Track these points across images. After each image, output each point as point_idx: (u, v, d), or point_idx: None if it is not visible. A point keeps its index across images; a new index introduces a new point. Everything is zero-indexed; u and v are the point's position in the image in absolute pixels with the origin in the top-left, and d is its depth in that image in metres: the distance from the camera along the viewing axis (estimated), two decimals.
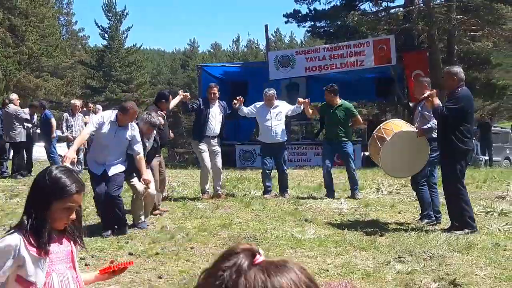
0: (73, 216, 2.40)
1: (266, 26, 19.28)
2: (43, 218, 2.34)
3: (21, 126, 12.65)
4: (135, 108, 6.76)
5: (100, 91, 45.62)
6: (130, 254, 5.79)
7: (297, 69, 18.27)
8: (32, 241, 2.32)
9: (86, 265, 5.36)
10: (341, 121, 9.49)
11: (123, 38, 50.40)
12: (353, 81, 20.33)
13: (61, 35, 49.13)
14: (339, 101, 9.61)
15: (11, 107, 12.82)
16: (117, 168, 6.63)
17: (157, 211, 7.95)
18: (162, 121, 7.99)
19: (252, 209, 8.30)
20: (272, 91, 9.79)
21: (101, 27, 48.98)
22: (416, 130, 6.94)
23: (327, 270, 5.12)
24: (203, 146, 9.30)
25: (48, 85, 34.55)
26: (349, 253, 5.74)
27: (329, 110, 9.62)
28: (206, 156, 9.30)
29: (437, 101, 6.61)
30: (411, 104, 7.59)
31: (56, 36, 40.89)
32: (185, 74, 61.30)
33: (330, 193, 9.48)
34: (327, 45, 19.99)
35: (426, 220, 7.13)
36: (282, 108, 9.77)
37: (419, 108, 7.21)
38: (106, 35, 49.10)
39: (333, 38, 25.60)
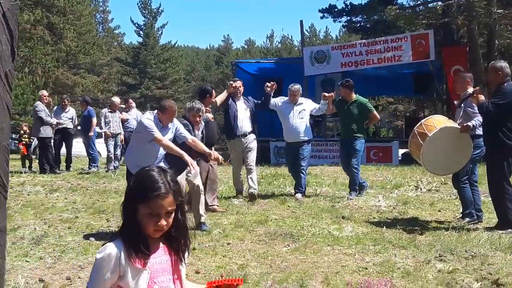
0: (163, 222, 2.10)
1: (301, 21, 19.13)
2: (135, 224, 2.11)
3: (41, 123, 12.85)
4: (173, 107, 6.53)
5: (136, 88, 46.14)
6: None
7: (332, 65, 18.08)
8: (132, 250, 2.10)
9: None
10: (355, 117, 9.21)
11: (158, 35, 50.91)
12: (390, 77, 20.10)
13: (98, 33, 49.85)
14: (354, 96, 9.33)
15: (35, 103, 13.26)
16: (164, 162, 6.46)
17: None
18: (209, 115, 7.93)
19: (288, 206, 8.25)
20: (297, 86, 9.41)
21: (136, 24, 49.60)
22: (459, 126, 6.76)
23: (366, 268, 5.04)
24: (234, 146, 8.99)
25: (86, 82, 35.12)
26: (388, 251, 5.64)
27: (343, 106, 9.35)
28: (234, 157, 9.03)
29: (482, 97, 6.46)
30: (456, 102, 7.38)
31: (93, 34, 41.54)
32: (219, 70, 61.53)
33: (351, 193, 9.18)
34: (363, 40, 19.79)
35: (467, 219, 6.95)
36: (306, 106, 9.39)
37: (462, 105, 7.03)
38: (141, 32, 49.66)
39: (370, 33, 25.39)
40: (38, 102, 13.20)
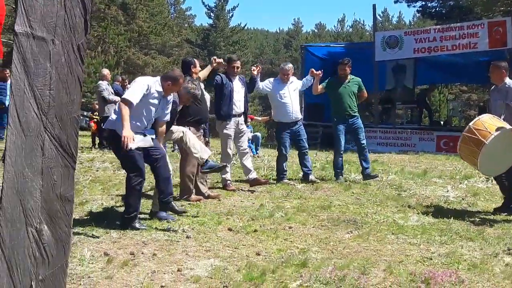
0: None
1: (374, 5, 18.76)
2: None
3: (104, 101, 13.07)
4: (184, 77, 6.23)
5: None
6: (229, 229, 5.82)
7: (405, 50, 17.65)
8: None
9: (187, 237, 5.44)
10: (354, 94, 9.19)
11: (228, 17, 51.28)
12: (464, 64, 19.43)
13: (169, 14, 50.56)
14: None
15: (99, 82, 13.46)
16: (152, 133, 5.98)
17: (196, 196, 7.36)
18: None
19: (352, 192, 8.14)
20: (290, 65, 9.17)
21: (207, 6, 50.07)
22: (509, 126, 6.45)
23: (431, 259, 4.89)
24: (229, 130, 8.29)
25: (156, 63, 35.74)
26: (454, 242, 5.47)
27: (340, 84, 9.24)
28: (230, 143, 8.39)
29: None
30: (493, 95, 7.06)
31: (165, 15, 42.20)
32: (287, 54, 61.40)
33: (338, 177, 9.19)
34: (438, 26, 19.21)
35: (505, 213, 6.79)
36: (297, 84, 9.24)
37: (503, 96, 6.76)
38: (212, 14, 50.13)
39: (445, 19, 24.64)
40: (101, 81, 13.37)
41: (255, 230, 5.77)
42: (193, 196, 7.28)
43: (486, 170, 6.67)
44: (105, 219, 6.02)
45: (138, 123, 5.75)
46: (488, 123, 6.49)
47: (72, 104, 1.75)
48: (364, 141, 9.27)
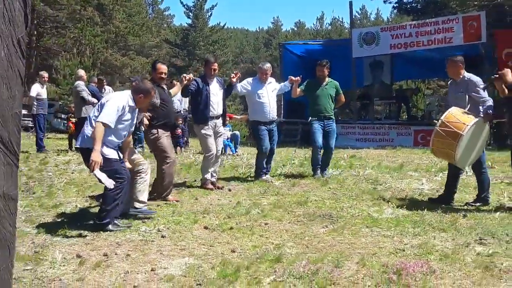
0: None
1: (350, 2, 18.86)
2: None
3: (83, 102, 12.83)
4: (155, 90, 6.21)
5: (184, 70, 46.44)
6: (205, 228, 5.82)
7: (381, 47, 17.80)
8: None
9: (162, 237, 5.43)
10: (331, 97, 9.23)
11: (207, 16, 51.14)
12: (440, 59, 19.58)
13: (148, 14, 50.32)
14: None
15: (76, 83, 13.24)
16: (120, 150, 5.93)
17: (173, 196, 7.38)
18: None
19: (329, 188, 8.18)
20: (268, 65, 9.12)
21: (186, 6, 49.91)
22: (477, 118, 6.61)
23: (403, 250, 4.94)
24: (208, 131, 8.18)
25: (134, 64, 35.56)
26: (427, 233, 5.52)
27: (318, 86, 9.24)
28: (211, 141, 8.23)
29: (510, 78, 6.30)
30: (451, 87, 7.22)
31: (143, 15, 42.00)
32: (268, 53, 61.46)
33: (316, 173, 9.22)
34: (413, 22, 19.35)
35: (478, 204, 6.89)
36: (276, 85, 9.19)
37: (463, 90, 6.91)
38: (190, 13, 49.99)
39: (420, 15, 24.77)
40: (78, 82, 13.20)
41: (231, 228, 5.78)
42: (170, 197, 7.28)
43: (462, 161, 6.74)
44: (78, 221, 5.99)
45: (114, 139, 5.72)
46: (459, 115, 6.59)
47: (13, 100, 1.72)
48: (333, 145, 9.34)
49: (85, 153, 5.65)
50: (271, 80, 9.10)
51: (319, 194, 7.70)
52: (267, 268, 4.43)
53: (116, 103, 5.64)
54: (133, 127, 6.10)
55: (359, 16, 65.46)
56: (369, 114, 19.75)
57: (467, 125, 6.43)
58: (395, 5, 27.58)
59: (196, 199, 7.37)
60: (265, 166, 9.06)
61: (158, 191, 7.24)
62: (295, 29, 71.24)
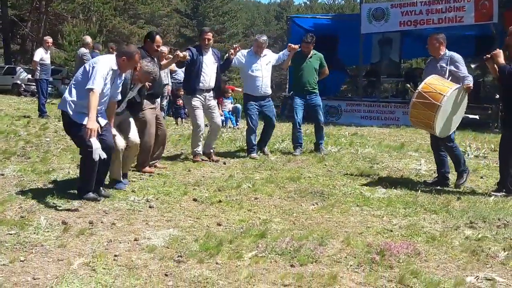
0: None
1: None
2: None
3: None
4: (140, 53, 5.97)
5: (193, 41, 46.18)
6: (194, 200, 5.79)
7: (391, 23, 17.52)
8: None
9: (150, 207, 5.41)
10: (315, 71, 9.11)
11: None
12: (450, 38, 19.31)
13: None
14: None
15: (81, 50, 13.14)
16: (104, 116, 5.72)
17: (150, 168, 7.21)
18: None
19: (325, 165, 8.11)
20: (264, 38, 8.88)
21: None
22: (457, 86, 6.51)
23: (391, 231, 4.88)
24: (196, 102, 8.02)
25: (142, 32, 35.23)
26: (418, 215, 5.46)
27: (302, 60, 9.04)
28: (200, 113, 8.08)
29: (501, 59, 6.20)
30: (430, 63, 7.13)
31: None
32: (278, 26, 61.04)
33: (298, 149, 9.08)
34: None
35: (464, 178, 6.96)
36: (271, 57, 8.88)
37: (443, 65, 6.79)
38: None
39: None
40: (82, 48, 13.12)
41: (220, 201, 5.74)
42: (147, 168, 7.15)
43: (441, 131, 6.63)
44: (69, 188, 5.96)
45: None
46: (435, 85, 6.46)
47: None
48: (321, 119, 9.22)
49: (65, 117, 5.63)
50: (266, 52, 8.83)
51: (313, 170, 7.63)
52: (250, 243, 4.39)
53: (103, 67, 5.47)
54: (119, 96, 5.89)
55: None
56: (376, 91, 19.57)
57: (445, 95, 6.31)
58: None
59: (189, 171, 7.33)
60: (254, 142, 8.80)
61: (137, 161, 7.11)
62: (308, 3, 70.57)
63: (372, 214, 5.47)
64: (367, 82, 19.92)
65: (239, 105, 15.00)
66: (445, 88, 6.40)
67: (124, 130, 6.29)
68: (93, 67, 5.46)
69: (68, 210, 5.20)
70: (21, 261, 3.83)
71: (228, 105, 14.38)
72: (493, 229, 5.00)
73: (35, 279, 3.54)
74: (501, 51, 6.36)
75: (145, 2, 35.48)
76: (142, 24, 37.80)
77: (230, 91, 14.90)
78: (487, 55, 6.45)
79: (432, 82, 6.51)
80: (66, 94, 5.60)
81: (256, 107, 8.75)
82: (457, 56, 6.82)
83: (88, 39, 13.78)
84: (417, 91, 6.53)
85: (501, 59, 6.25)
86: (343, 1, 65.71)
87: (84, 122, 5.33)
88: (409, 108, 6.78)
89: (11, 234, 4.41)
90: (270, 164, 7.98)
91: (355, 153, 9.31)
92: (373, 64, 20.18)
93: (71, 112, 5.48)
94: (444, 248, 4.43)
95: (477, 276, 3.82)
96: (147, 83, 6.42)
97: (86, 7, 28.65)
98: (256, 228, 4.83)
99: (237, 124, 13.84)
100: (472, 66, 6.51)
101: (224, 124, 13.54)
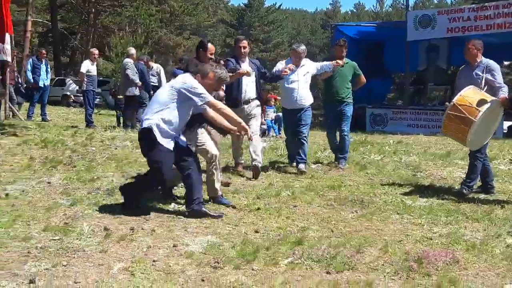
0: None
1: None
2: None
3: (128, 81, 12.97)
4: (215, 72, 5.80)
5: None
6: (233, 207, 5.84)
7: (438, 30, 17.32)
8: None
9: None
10: (348, 79, 8.72)
11: None
12: (499, 44, 18.95)
13: None
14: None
15: (125, 60, 13.38)
16: (183, 136, 5.71)
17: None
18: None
19: (367, 173, 8.06)
20: (303, 47, 8.34)
21: None
22: (492, 99, 6.31)
23: (431, 239, 4.82)
24: (240, 114, 7.34)
25: (188, 43, 35.75)
26: (459, 223, 5.37)
27: (337, 67, 8.54)
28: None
29: None
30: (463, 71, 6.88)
31: None
32: (324, 35, 60.75)
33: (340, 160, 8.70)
34: (472, 5, 18.75)
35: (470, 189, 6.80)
36: (310, 68, 8.33)
37: (479, 73, 6.65)
38: None
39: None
40: (127, 59, 13.33)
41: (258, 208, 5.78)
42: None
43: (473, 145, 6.50)
44: (112, 195, 6.11)
45: (177, 126, 5.48)
46: (471, 97, 6.28)
47: None
48: (346, 130, 8.73)
49: (149, 136, 5.36)
50: (304, 62, 8.33)
51: (355, 179, 7.60)
52: (287, 250, 4.41)
53: (196, 83, 5.43)
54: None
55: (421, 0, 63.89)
56: (422, 99, 19.31)
57: (480, 111, 6.14)
58: None
59: (229, 178, 7.39)
60: (292, 152, 8.46)
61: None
62: (355, 10, 70.25)
63: (413, 222, 5.41)
64: (414, 90, 19.68)
65: (281, 114, 15.02)
66: (481, 102, 6.23)
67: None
68: (190, 86, 5.38)
69: (111, 216, 5.32)
70: (63, 265, 3.95)
71: (271, 114, 14.43)
72: None
73: (76, 283, 3.65)
74: None
75: (191, 13, 35.96)
76: (188, 35, 38.36)
77: (273, 100, 14.95)
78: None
79: (468, 95, 6.32)
80: (154, 116, 5.37)
81: (292, 119, 8.40)
82: (494, 64, 6.70)
83: (133, 50, 14.04)
84: (452, 103, 6.37)
85: None
86: (390, 9, 65.15)
87: (169, 147, 5.35)
88: (443, 119, 6.62)
89: (55, 239, 4.55)
90: (311, 172, 7.98)
91: (398, 161, 9.22)
92: (420, 72, 19.92)
93: (158, 134, 5.32)
94: (484, 256, 4.35)
95: None
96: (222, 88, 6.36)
97: (133, 19, 29.30)
98: (293, 235, 4.84)
99: (279, 133, 13.87)
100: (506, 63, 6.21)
101: (267, 133, 13.61)
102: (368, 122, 17.63)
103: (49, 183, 6.68)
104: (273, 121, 14.23)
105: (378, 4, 67.79)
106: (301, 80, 8.21)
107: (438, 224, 5.34)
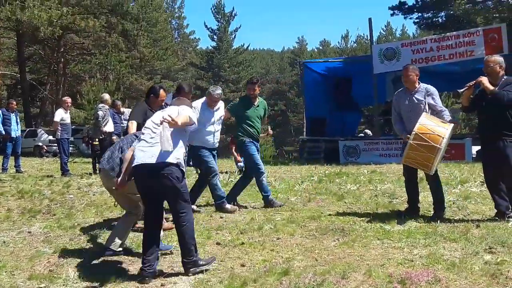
0: None
1: (369, 19, 19.04)
2: None
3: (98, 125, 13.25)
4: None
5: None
6: (218, 244, 5.90)
7: (402, 62, 17.70)
8: None
9: (172, 253, 5.54)
10: (260, 119, 8.43)
11: (231, 39, 51.90)
12: (463, 72, 19.51)
13: (174, 39, 51.08)
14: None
15: (99, 106, 13.57)
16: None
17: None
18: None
19: (345, 202, 8.21)
20: (220, 91, 8.13)
21: (210, 29, 50.60)
22: (450, 124, 6.56)
23: (412, 261, 4.95)
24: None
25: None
26: (438, 244, 5.51)
27: (250, 106, 8.34)
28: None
29: (490, 86, 6.40)
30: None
31: (168, 40, 42.56)
32: (293, 72, 61.64)
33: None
34: (434, 36, 19.42)
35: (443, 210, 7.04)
36: (222, 111, 8.24)
37: (420, 98, 6.93)
38: (215, 36, 50.71)
39: (443, 29, 24.72)
40: (101, 105, 13.45)
41: (243, 243, 5.85)
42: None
43: (434, 169, 6.67)
44: (93, 241, 6.14)
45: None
46: (430, 125, 6.45)
47: None
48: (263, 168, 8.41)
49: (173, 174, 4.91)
50: (219, 105, 8.16)
51: (333, 209, 7.73)
52: (274, 281, 4.50)
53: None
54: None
55: (384, 33, 65.39)
56: (392, 129, 19.67)
57: (443, 138, 6.33)
58: (415, 21, 27.60)
59: (211, 216, 7.46)
60: (222, 191, 8.13)
61: None
62: (321, 47, 71.46)
63: (393, 246, 5.54)
64: (383, 121, 20.08)
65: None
66: (441, 128, 6.43)
67: None
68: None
69: (96, 261, 5.36)
70: None
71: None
72: None
73: None
74: (486, 78, 6.48)
75: (161, 58, 36.33)
76: (158, 79, 38.67)
77: None
78: (471, 83, 6.56)
79: (426, 123, 6.49)
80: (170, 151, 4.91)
81: (210, 153, 8.12)
82: (433, 89, 6.98)
83: (106, 96, 14.12)
84: (413, 132, 6.43)
85: (490, 85, 6.40)
86: (355, 44, 66.49)
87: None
88: (405, 150, 6.67)
89: (41, 287, 4.57)
90: (291, 205, 8.09)
91: (374, 189, 9.40)
92: (388, 103, 20.35)
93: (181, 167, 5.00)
94: (464, 274, 4.49)
95: None
96: None
97: (103, 66, 29.48)
98: (279, 266, 4.93)
99: None
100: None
101: (243, 170, 13.71)
102: (341, 154, 17.87)
103: (29, 232, 6.67)
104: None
105: (343, 40, 69.07)
106: (216, 122, 8.08)
107: (417, 246, 5.48)
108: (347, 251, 5.45)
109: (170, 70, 42.81)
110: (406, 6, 25.97)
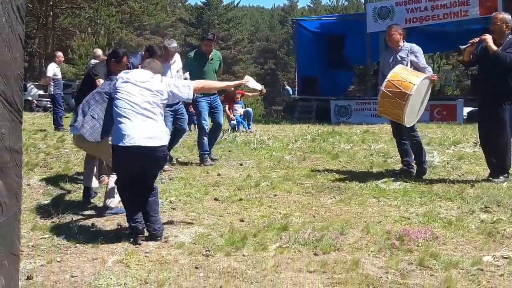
0: None
1: None
2: None
3: None
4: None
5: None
6: (216, 199, 5.97)
7: (396, 21, 17.56)
8: None
9: (172, 208, 5.60)
10: (216, 72, 8.47)
11: None
12: (457, 32, 19.50)
13: None
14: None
15: (91, 62, 13.28)
16: None
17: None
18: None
19: (340, 161, 8.28)
20: (175, 44, 8.00)
21: None
22: (424, 75, 6.60)
23: (408, 219, 5.05)
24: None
25: (149, 43, 35.60)
26: (434, 203, 5.62)
27: (204, 60, 8.29)
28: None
29: (494, 45, 6.39)
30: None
31: None
32: (283, 30, 61.16)
33: (204, 159, 8.31)
34: None
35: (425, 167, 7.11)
36: (179, 63, 8.12)
37: (403, 56, 6.91)
38: None
39: None
40: (93, 60, 13.25)
41: (240, 199, 5.92)
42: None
43: (408, 121, 6.67)
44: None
45: None
46: (403, 73, 6.49)
47: (15, 62, 1.89)
48: (221, 121, 8.64)
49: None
50: (175, 58, 8.01)
51: (329, 167, 7.80)
52: (273, 236, 4.57)
53: None
54: None
55: None
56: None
57: (414, 84, 6.35)
58: None
59: (208, 173, 7.52)
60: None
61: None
62: (312, 5, 70.71)
63: (389, 204, 5.64)
64: (376, 80, 20.11)
65: (250, 109, 15.19)
66: (413, 77, 6.47)
67: None
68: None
69: (95, 214, 5.41)
70: (57, 261, 4.03)
71: (239, 109, 14.57)
72: (507, 212, 5.17)
73: (73, 276, 3.73)
74: (490, 36, 6.47)
75: (150, 13, 35.79)
76: (148, 35, 38.25)
77: (240, 95, 15.09)
78: (475, 40, 6.56)
79: (400, 72, 6.53)
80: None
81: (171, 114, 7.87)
82: (416, 47, 6.96)
83: (99, 51, 13.94)
84: (385, 80, 6.50)
85: (493, 45, 6.39)
86: (346, 2, 65.85)
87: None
88: (377, 98, 6.77)
89: (45, 238, 4.62)
90: (286, 163, 8.16)
91: (368, 149, 9.49)
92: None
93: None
94: (461, 232, 4.59)
95: (494, 255, 3.98)
96: None
97: (93, 20, 29.06)
98: (278, 222, 5.01)
99: (249, 128, 14.02)
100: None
101: (236, 128, 13.76)
102: (332, 114, 17.95)
103: (28, 185, 6.70)
104: (241, 117, 14.37)
105: None
106: (174, 76, 7.84)
107: (413, 205, 5.58)
108: (344, 208, 5.54)
109: (159, 26, 42.29)
110: None
